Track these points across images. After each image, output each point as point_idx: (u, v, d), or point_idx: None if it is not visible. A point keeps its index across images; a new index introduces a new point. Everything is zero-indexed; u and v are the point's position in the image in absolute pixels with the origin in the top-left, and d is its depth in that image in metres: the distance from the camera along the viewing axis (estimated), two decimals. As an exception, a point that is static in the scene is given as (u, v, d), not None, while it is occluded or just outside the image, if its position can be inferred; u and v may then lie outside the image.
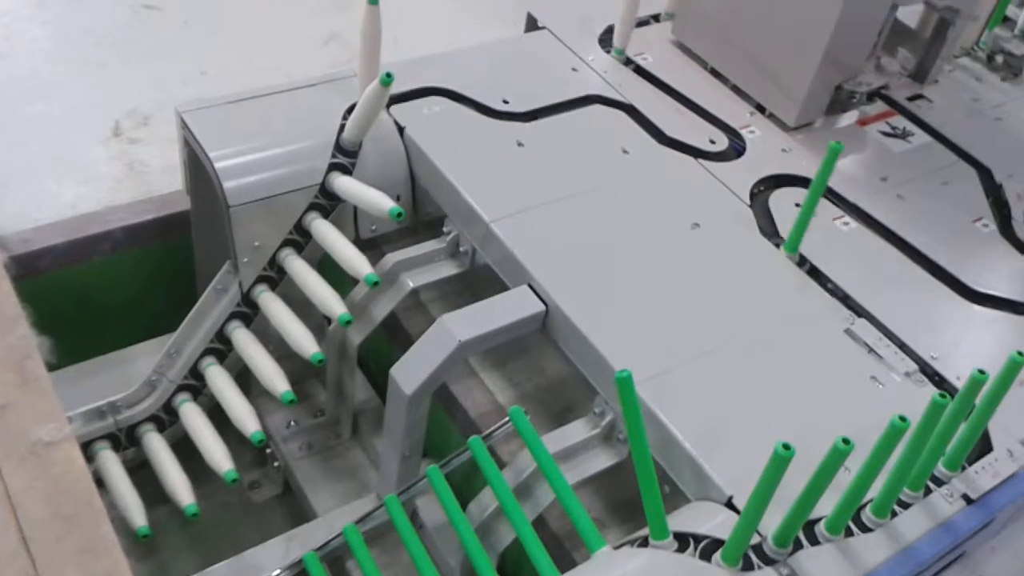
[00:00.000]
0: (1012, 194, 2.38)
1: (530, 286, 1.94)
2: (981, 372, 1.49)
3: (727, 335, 1.90)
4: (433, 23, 3.49)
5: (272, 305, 2.11)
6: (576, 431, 1.84)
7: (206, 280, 2.19)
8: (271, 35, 3.44)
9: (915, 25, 2.73)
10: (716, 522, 1.60)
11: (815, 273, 2.07)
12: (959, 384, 1.89)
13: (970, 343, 2.00)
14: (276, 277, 2.16)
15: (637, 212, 2.13)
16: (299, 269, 2.10)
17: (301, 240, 2.15)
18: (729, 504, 1.63)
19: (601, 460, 1.83)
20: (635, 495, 1.77)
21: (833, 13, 2.21)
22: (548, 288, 1.91)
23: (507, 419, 1.80)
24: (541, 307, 1.91)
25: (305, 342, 2.00)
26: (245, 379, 2.21)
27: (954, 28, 2.55)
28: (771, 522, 1.51)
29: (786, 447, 1.38)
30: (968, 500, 1.68)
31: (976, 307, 2.09)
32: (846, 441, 1.37)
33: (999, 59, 2.79)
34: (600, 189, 2.16)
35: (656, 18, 2.73)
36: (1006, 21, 2.88)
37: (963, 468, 1.72)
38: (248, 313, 2.17)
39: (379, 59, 2.13)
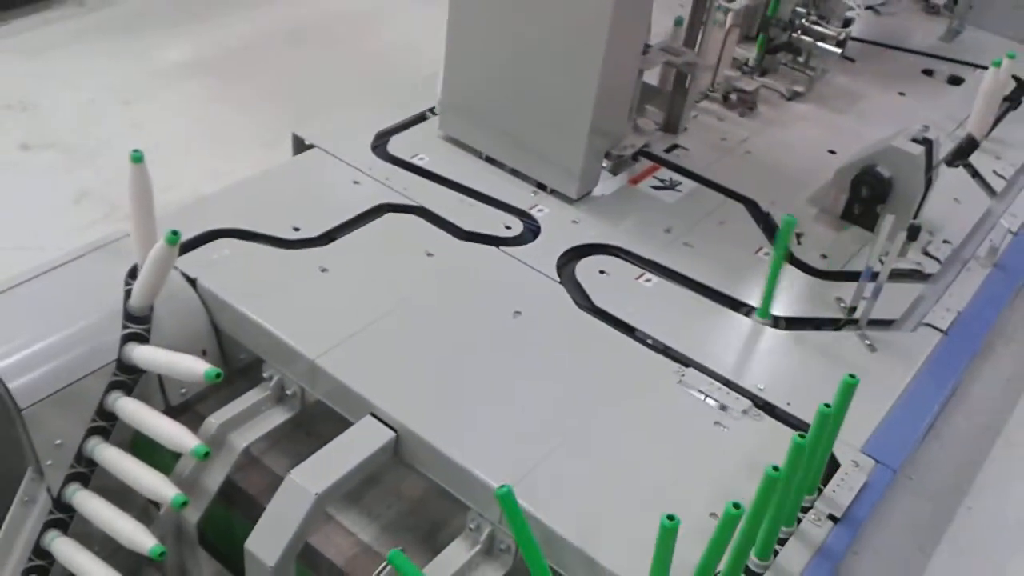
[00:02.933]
0: (780, 219, 2.58)
1: (373, 415, 1.87)
2: (827, 406, 1.58)
3: (576, 416, 1.91)
4: (190, 160, 3.36)
5: (90, 504, 1.89)
6: (457, 554, 1.78)
7: (7, 495, 1.93)
8: (14, 200, 3.16)
9: (656, 82, 2.93)
10: (620, 610, 1.60)
11: (631, 331, 2.14)
12: (790, 409, 2.01)
13: (784, 366, 2.14)
14: (87, 472, 1.94)
15: (459, 313, 2.11)
16: (112, 458, 1.90)
17: (107, 425, 1.95)
18: (627, 587, 1.63)
19: (489, 576, 1.78)
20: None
21: (591, 89, 2.33)
22: (393, 413, 1.85)
23: (386, 564, 1.71)
24: (391, 434, 1.84)
25: (139, 536, 1.81)
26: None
27: (693, 79, 2.76)
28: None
29: (671, 518, 1.39)
30: (834, 519, 1.78)
31: (780, 332, 2.24)
32: (736, 505, 1.41)
33: (734, 97, 3.05)
34: (416, 297, 2.13)
35: (424, 116, 2.75)
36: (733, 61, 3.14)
37: (820, 491, 1.82)
38: (64, 519, 1.93)
39: (154, 216, 1.99)
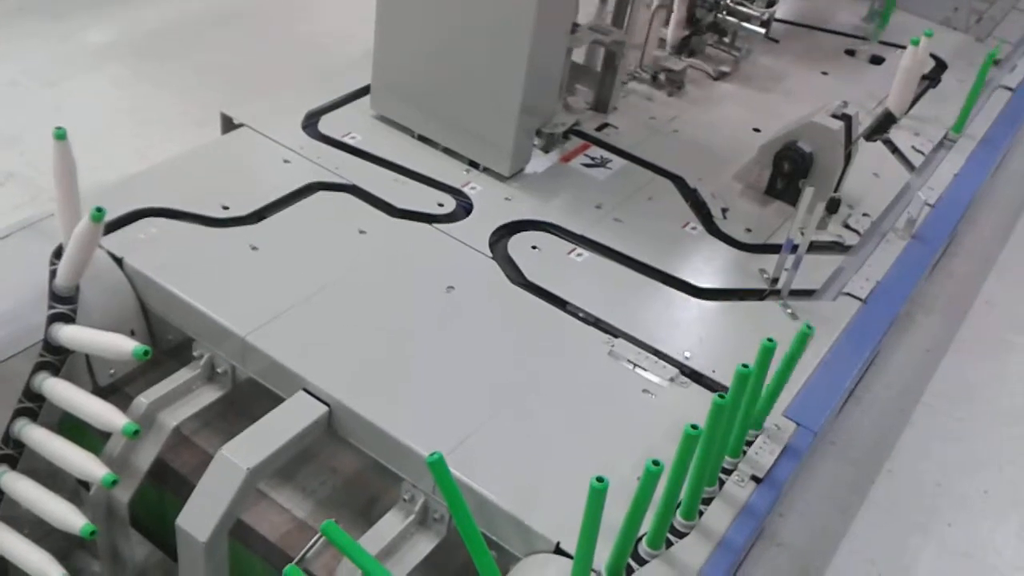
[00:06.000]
0: (707, 195, 2.65)
1: (305, 390, 1.88)
2: (745, 366, 1.64)
3: (508, 387, 1.94)
4: (117, 141, 3.30)
5: (18, 486, 1.86)
6: (392, 524, 1.80)
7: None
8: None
9: (583, 61, 2.97)
10: (551, 572, 1.64)
11: (563, 304, 2.18)
12: (715, 376, 2.07)
13: (710, 336, 2.20)
14: (15, 454, 1.91)
15: (391, 289, 2.13)
16: (40, 438, 1.88)
17: (34, 406, 1.92)
18: (558, 550, 1.67)
19: (424, 545, 1.80)
20: (462, 566, 1.76)
21: (520, 67, 2.35)
22: (325, 387, 1.86)
23: (319, 536, 1.72)
24: (323, 408, 1.85)
25: (69, 517, 1.78)
26: (1, 571, 1.94)
27: (622, 58, 2.80)
28: (600, 554, 1.56)
29: (599, 479, 1.43)
30: (757, 480, 1.84)
31: (706, 302, 2.30)
32: (656, 463, 1.45)
33: (662, 77, 3.10)
34: (349, 274, 2.13)
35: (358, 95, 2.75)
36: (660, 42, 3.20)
37: (744, 453, 1.88)
38: (-9, 503, 1.90)
39: (78, 194, 1.96)
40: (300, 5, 4.47)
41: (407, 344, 2.00)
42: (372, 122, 2.67)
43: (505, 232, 2.38)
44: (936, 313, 3.26)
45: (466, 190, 2.48)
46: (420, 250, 2.26)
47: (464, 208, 2.42)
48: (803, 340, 1.81)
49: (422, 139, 2.62)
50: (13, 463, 1.92)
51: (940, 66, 3.64)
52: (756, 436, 1.94)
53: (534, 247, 2.35)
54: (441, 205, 2.41)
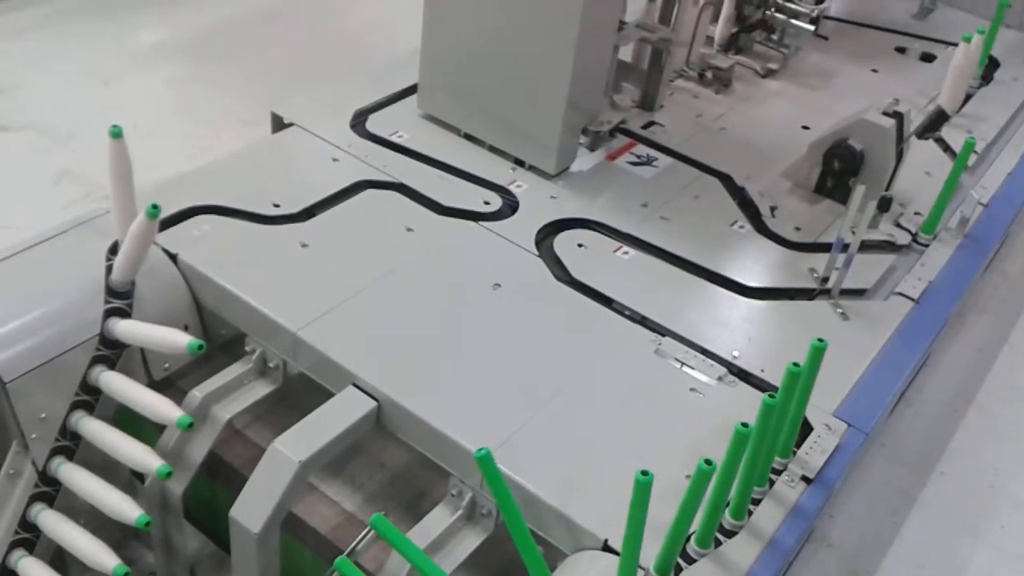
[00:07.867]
0: (754, 193, 2.63)
1: (355, 385, 1.90)
2: (796, 365, 1.62)
3: (555, 384, 1.95)
4: (170, 139, 3.36)
5: (75, 476, 1.91)
6: (439, 519, 1.81)
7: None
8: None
9: (630, 59, 2.96)
10: (599, 569, 1.64)
11: (609, 302, 2.18)
12: (764, 375, 2.05)
13: (759, 335, 2.18)
14: (72, 445, 1.96)
15: (439, 286, 2.14)
16: (96, 430, 1.92)
17: (91, 399, 1.97)
18: (606, 547, 1.67)
19: (471, 540, 1.81)
20: (509, 561, 1.77)
21: (567, 65, 2.36)
22: (375, 383, 1.88)
23: (368, 529, 1.74)
24: (372, 404, 1.87)
25: (126, 507, 1.83)
26: (58, 561, 1.99)
27: (668, 55, 2.79)
28: (649, 552, 1.56)
29: (644, 473, 1.43)
30: (807, 480, 1.83)
31: (754, 301, 2.28)
32: (708, 462, 1.44)
33: (709, 75, 3.08)
34: (397, 271, 2.15)
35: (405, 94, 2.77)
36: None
37: (794, 453, 1.87)
38: (50, 492, 1.95)
39: (134, 192, 2.00)
40: (346, 2, 4.52)
41: (454, 341, 2.02)
42: (419, 121, 2.68)
43: (551, 230, 2.38)
44: (988, 313, 3.20)
45: (512, 188, 2.49)
46: (467, 248, 2.27)
47: (510, 206, 2.43)
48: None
49: (468, 137, 2.63)
50: (70, 455, 1.97)
51: (992, 64, 3.57)
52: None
53: (580, 245, 2.35)
54: (487, 203, 2.42)
